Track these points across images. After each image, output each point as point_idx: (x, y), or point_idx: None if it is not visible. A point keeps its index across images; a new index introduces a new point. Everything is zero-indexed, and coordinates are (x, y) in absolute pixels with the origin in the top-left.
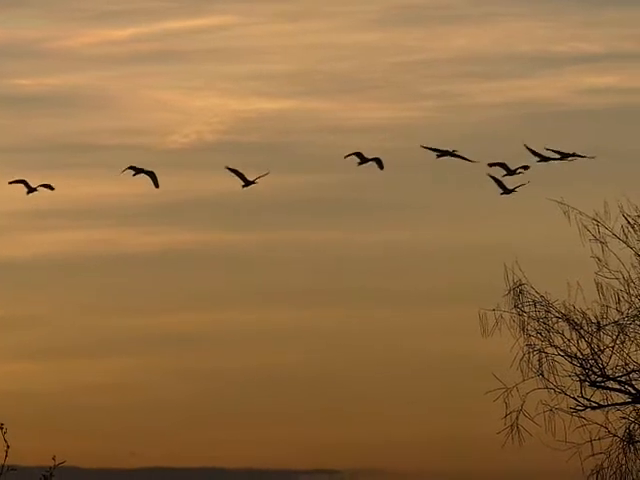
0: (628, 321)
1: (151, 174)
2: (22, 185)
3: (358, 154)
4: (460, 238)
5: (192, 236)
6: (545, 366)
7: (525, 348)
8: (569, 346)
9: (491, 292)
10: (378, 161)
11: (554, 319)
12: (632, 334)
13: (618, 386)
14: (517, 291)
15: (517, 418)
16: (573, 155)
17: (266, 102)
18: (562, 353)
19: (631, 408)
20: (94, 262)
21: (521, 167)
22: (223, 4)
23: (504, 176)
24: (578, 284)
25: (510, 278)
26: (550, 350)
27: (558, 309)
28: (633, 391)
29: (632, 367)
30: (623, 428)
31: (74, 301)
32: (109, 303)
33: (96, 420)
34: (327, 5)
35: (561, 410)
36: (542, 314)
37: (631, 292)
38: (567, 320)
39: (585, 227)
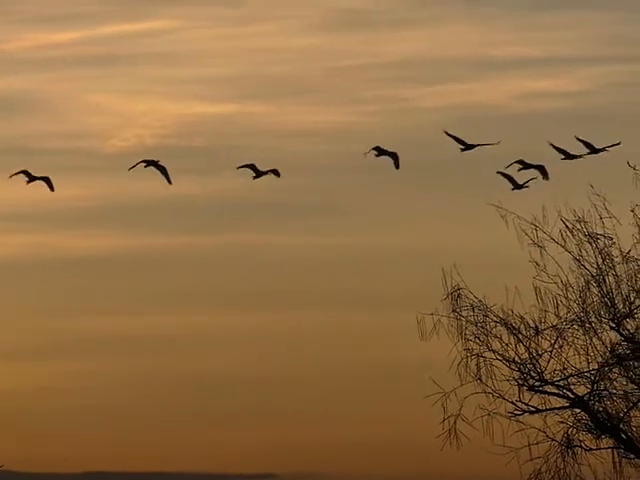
0: (566, 325)
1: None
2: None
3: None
4: (398, 242)
5: (133, 240)
6: (483, 370)
7: (463, 352)
8: (507, 350)
9: (429, 296)
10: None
11: (492, 323)
12: (570, 338)
13: (556, 390)
14: (455, 295)
15: (455, 422)
16: (603, 149)
17: (207, 106)
18: (500, 357)
19: (569, 412)
20: (35, 266)
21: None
22: (164, 8)
23: (519, 170)
24: (516, 288)
25: (448, 282)
26: (488, 354)
27: (496, 313)
28: (571, 395)
29: (570, 371)
30: (561, 432)
31: (16, 304)
32: (52, 306)
33: (35, 423)
34: (268, 9)
35: (499, 414)
36: (480, 318)
37: (569, 296)
38: (505, 324)
39: (523, 231)
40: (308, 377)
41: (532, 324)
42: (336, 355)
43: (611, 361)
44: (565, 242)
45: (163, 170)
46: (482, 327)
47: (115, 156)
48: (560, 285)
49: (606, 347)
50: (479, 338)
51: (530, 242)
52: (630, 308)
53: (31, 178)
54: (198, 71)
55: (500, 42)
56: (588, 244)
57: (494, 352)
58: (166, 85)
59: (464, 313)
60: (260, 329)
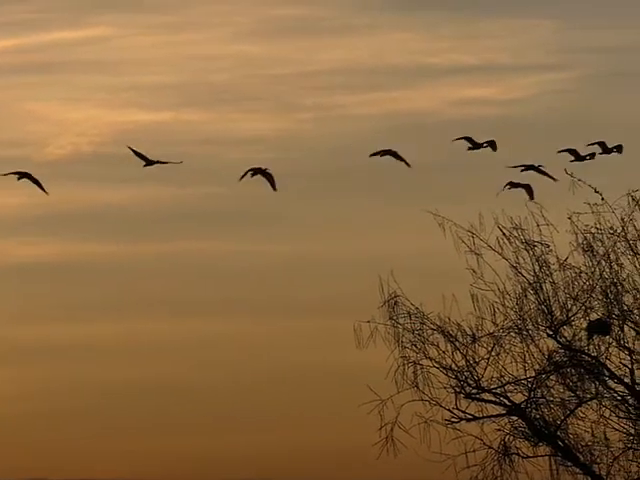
0: (503, 333)
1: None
2: None
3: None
4: (335, 250)
5: (69, 248)
6: (420, 378)
7: (400, 360)
8: (444, 358)
9: (366, 304)
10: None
11: (429, 331)
12: (507, 346)
13: (493, 398)
14: (392, 303)
15: (392, 430)
16: (617, 149)
17: (143, 114)
18: (437, 365)
19: (506, 420)
20: None
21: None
22: (100, 16)
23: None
24: (453, 296)
25: (385, 290)
26: (425, 362)
27: (433, 321)
28: (508, 403)
29: (507, 379)
30: (498, 440)
31: None
32: None
33: None
34: (205, 17)
35: (436, 422)
36: (417, 326)
37: (506, 304)
38: (442, 332)
39: (460, 239)
40: (243, 385)
41: (469, 331)
42: (272, 363)
43: (548, 368)
44: (502, 249)
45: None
46: (419, 335)
47: (51, 164)
48: (497, 292)
49: (543, 354)
50: (416, 346)
51: (467, 249)
52: (567, 315)
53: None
54: (134, 79)
55: (437, 50)
56: (525, 251)
57: (431, 360)
58: (102, 93)
59: (401, 321)
60: (194, 337)
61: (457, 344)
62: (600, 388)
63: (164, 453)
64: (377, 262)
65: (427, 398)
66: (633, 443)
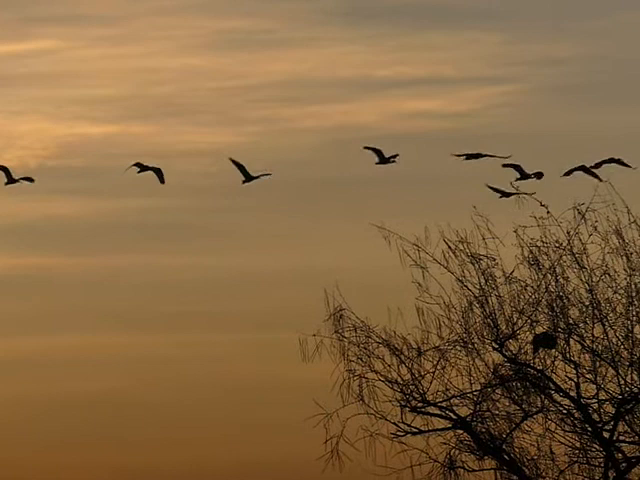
0: (449, 346)
1: (157, 171)
2: None
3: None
4: (280, 263)
5: (17, 261)
6: (365, 391)
7: (345, 373)
8: (390, 371)
9: (311, 317)
10: (158, 172)
11: (375, 344)
12: (453, 359)
13: (439, 412)
14: (337, 316)
15: (337, 443)
16: (536, 175)
17: (88, 127)
18: (383, 378)
19: (452, 433)
20: None
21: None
22: (46, 28)
23: (517, 180)
24: (399, 309)
25: (330, 303)
26: (371, 375)
27: (379, 334)
28: (454, 416)
29: (453, 393)
30: (444, 453)
31: None
32: None
33: None
34: (150, 30)
35: (382, 435)
36: (362, 339)
37: (452, 317)
38: (388, 345)
39: (406, 252)
40: (188, 399)
41: (415, 345)
42: (217, 376)
43: (494, 382)
44: (448, 263)
45: (158, 172)
46: (364, 348)
47: None
48: (443, 306)
49: (489, 368)
50: (361, 359)
51: (413, 263)
52: (513, 329)
53: (143, 168)
54: (80, 92)
55: (382, 62)
56: (471, 265)
57: (376, 373)
58: (47, 106)
59: (346, 334)
60: (138, 351)
61: (403, 358)
62: (546, 402)
63: (107, 467)
64: (323, 275)
65: (373, 412)
66: (579, 457)
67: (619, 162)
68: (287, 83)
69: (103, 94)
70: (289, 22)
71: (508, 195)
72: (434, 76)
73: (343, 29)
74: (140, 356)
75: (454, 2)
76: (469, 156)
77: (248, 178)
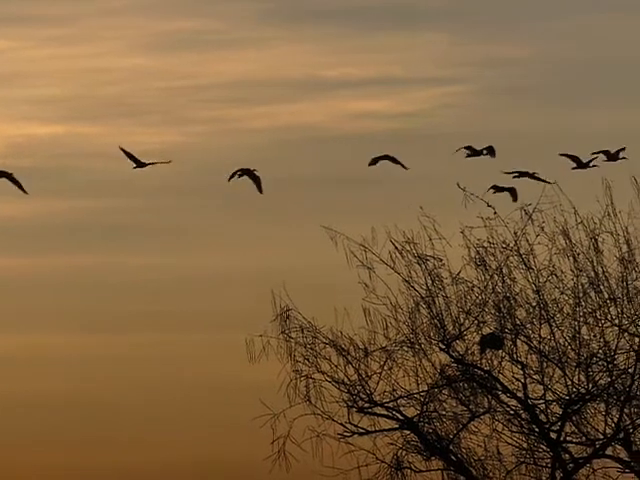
0: (396, 347)
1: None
2: None
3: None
4: (227, 263)
5: None
6: (312, 392)
7: (292, 374)
8: (336, 372)
9: (258, 318)
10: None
11: (321, 345)
12: (400, 360)
13: (386, 412)
14: (284, 317)
15: (284, 444)
16: (487, 150)
17: (36, 127)
18: (329, 379)
19: (399, 434)
20: None
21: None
22: None
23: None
24: (345, 310)
25: (277, 304)
26: (317, 376)
27: (325, 335)
28: (401, 417)
29: (400, 393)
30: (391, 454)
31: None
32: None
33: None
34: (99, 30)
35: (329, 436)
36: (309, 340)
37: (399, 318)
38: (334, 346)
39: (352, 253)
40: (135, 400)
41: (361, 345)
42: (163, 377)
43: (441, 382)
44: (394, 263)
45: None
46: (311, 349)
47: None
48: (389, 306)
49: (436, 369)
50: (308, 360)
51: (359, 264)
52: (460, 330)
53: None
54: (27, 92)
55: (331, 63)
56: (417, 265)
57: (323, 374)
58: None
59: (293, 334)
60: (86, 351)
61: (349, 358)
62: (493, 402)
63: (61, 468)
64: (269, 276)
65: (319, 412)
66: (526, 457)
67: (533, 177)
68: (235, 83)
69: (51, 94)
70: (238, 23)
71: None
72: (382, 77)
73: (291, 30)
74: (92, 356)
75: (402, 3)
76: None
77: (139, 164)
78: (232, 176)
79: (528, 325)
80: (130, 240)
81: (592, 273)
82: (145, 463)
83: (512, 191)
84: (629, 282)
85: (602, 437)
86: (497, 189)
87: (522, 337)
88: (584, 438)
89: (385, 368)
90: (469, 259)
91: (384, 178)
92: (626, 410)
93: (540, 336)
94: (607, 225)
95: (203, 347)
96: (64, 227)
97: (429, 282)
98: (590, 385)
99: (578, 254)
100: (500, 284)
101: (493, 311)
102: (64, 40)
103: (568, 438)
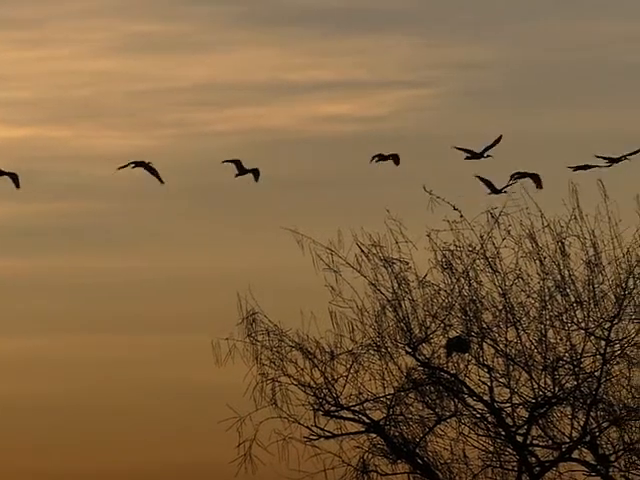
0: (362, 350)
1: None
2: None
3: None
4: (193, 266)
5: None
6: (278, 395)
7: (258, 377)
8: (303, 375)
9: (224, 321)
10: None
11: (287, 348)
12: (366, 363)
13: (352, 415)
14: (250, 320)
15: (250, 447)
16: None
17: (5, 130)
18: (296, 382)
19: (365, 437)
20: None
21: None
22: None
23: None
24: (312, 313)
25: (243, 307)
26: (284, 379)
27: (292, 338)
28: (367, 420)
29: (366, 396)
30: (357, 457)
31: None
32: None
33: None
34: (65, 32)
35: (295, 439)
36: (275, 343)
37: (365, 321)
38: (301, 349)
39: (319, 256)
40: (99, 402)
41: (328, 349)
42: (130, 380)
43: (407, 386)
44: (361, 267)
45: (154, 172)
46: (277, 352)
47: None
48: (356, 310)
49: (402, 372)
50: (274, 363)
51: (325, 267)
52: (426, 333)
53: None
54: None
55: (296, 66)
56: (384, 269)
57: (289, 377)
58: None
59: (259, 338)
60: (48, 354)
61: (316, 361)
62: (459, 406)
63: (22, 472)
64: (235, 279)
65: (285, 415)
66: (492, 461)
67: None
68: (202, 87)
69: (17, 97)
70: (204, 26)
71: (499, 191)
72: (348, 80)
73: (258, 33)
74: (56, 359)
75: (369, 6)
76: (471, 155)
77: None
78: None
79: (494, 328)
80: (95, 243)
81: (558, 276)
82: (111, 466)
83: (535, 177)
84: (595, 285)
85: (568, 440)
86: (520, 175)
87: (488, 340)
88: (550, 441)
89: (351, 371)
90: (435, 262)
91: (350, 181)
92: (592, 413)
93: (506, 339)
94: (574, 228)
95: (169, 350)
96: (29, 230)
97: (395, 285)
98: (556, 388)
99: (544, 257)
100: (466, 287)
101: (459, 314)
102: (31, 43)
103: (534, 441)
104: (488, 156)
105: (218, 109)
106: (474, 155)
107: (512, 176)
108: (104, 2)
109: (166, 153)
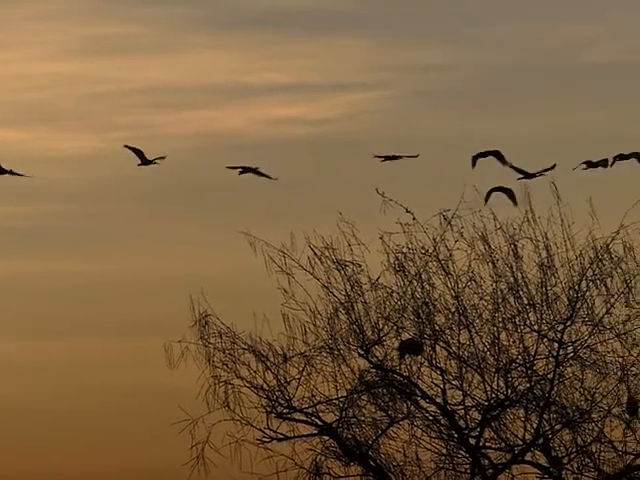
0: (314, 353)
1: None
2: None
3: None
4: (145, 269)
5: None
6: (231, 398)
7: (211, 380)
8: (255, 378)
9: (177, 323)
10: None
11: (240, 350)
12: (319, 366)
13: (305, 418)
14: (203, 322)
15: (203, 449)
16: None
17: None
18: (248, 385)
19: (318, 440)
20: None
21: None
22: None
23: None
24: (264, 316)
25: (196, 309)
26: (236, 382)
27: (244, 340)
28: (320, 423)
29: (318, 399)
30: (310, 460)
31: None
32: None
33: None
34: (20, 35)
35: (247, 442)
36: (228, 345)
37: (317, 324)
38: (253, 352)
39: (271, 258)
40: (53, 406)
41: (280, 351)
42: (82, 382)
43: (360, 388)
44: (313, 269)
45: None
46: (230, 354)
47: None
48: (308, 312)
49: (355, 374)
50: (227, 365)
51: (278, 269)
52: (379, 335)
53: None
54: None
55: (250, 69)
56: (336, 271)
57: (242, 379)
58: None
59: (212, 340)
60: (5, 357)
61: (268, 364)
62: (412, 408)
63: None
64: (188, 281)
65: (238, 418)
66: (445, 463)
67: (534, 175)
68: (156, 89)
69: None
70: (160, 29)
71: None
72: (302, 82)
73: (212, 36)
74: (9, 362)
75: (322, 9)
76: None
77: (145, 162)
78: (234, 168)
79: (447, 331)
80: (46, 246)
81: (511, 279)
82: (63, 469)
83: (509, 193)
84: (548, 288)
85: (521, 443)
86: (495, 190)
87: (441, 343)
88: (503, 444)
89: (304, 374)
90: (388, 265)
91: (302, 183)
92: (545, 416)
93: (459, 342)
94: (526, 231)
95: (121, 352)
96: None
97: (348, 288)
98: (509, 391)
99: (497, 260)
100: (419, 290)
101: (412, 317)
102: None
103: (487, 444)
104: (541, 175)
105: (172, 112)
106: (527, 175)
107: (489, 192)
108: (60, 5)
109: (119, 156)
